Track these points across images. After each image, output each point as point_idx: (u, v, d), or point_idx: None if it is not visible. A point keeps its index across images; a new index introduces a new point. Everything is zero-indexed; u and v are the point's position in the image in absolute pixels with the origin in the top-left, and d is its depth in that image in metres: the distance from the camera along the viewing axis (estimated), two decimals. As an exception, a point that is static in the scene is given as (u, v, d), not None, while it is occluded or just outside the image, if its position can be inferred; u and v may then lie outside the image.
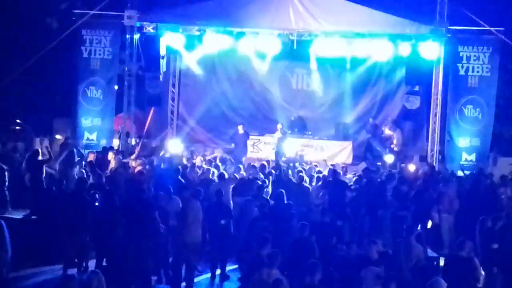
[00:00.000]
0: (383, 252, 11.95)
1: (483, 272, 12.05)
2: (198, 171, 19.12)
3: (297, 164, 21.45)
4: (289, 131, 25.60)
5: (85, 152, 21.43)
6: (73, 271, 13.78)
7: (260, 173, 18.37)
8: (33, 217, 16.00)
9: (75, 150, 19.17)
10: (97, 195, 15.08)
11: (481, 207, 16.02)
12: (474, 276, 11.17)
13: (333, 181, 17.08)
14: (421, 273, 10.30)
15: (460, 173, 20.97)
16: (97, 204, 14.56)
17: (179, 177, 16.62)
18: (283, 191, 14.97)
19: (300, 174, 17.60)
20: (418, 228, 14.76)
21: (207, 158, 22.45)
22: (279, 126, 25.04)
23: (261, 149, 25.77)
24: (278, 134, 24.64)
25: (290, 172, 19.09)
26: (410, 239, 12.33)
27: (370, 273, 10.65)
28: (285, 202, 14.54)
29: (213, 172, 18.05)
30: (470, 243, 11.90)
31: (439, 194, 17.06)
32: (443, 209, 16.66)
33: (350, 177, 20.10)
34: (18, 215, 16.17)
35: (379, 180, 18.01)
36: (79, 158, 19.50)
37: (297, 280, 11.12)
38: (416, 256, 11.95)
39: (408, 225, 13.11)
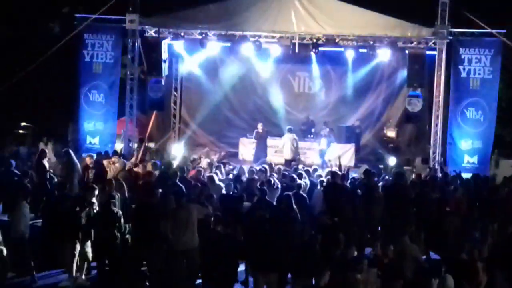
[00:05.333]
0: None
1: (485, 277, 12.00)
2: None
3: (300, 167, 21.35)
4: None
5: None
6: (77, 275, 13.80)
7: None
8: (37, 221, 16.02)
9: (72, 156, 18.91)
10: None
11: (487, 210, 16.00)
12: (475, 279, 11.15)
13: (332, 184, 16.92)
14: (422, 275, 10.30)
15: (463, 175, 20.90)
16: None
17: (176, 181, 16.32)
18: (290, 193, 14.89)
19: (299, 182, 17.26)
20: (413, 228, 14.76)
21: (215, 160, 22.36)
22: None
23: (264, 152, 25.71)
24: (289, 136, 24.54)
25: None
26: (404, 239, 12.35)
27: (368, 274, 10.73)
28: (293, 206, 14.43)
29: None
30: (472, 245, 11.93)
31: (446, 197, 16.98)
32: (450, 211, 16.58)
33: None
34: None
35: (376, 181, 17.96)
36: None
37: (302, 283, 11.19)
38: (411, 256, 11.96)
39: (401, 226, 13.08)
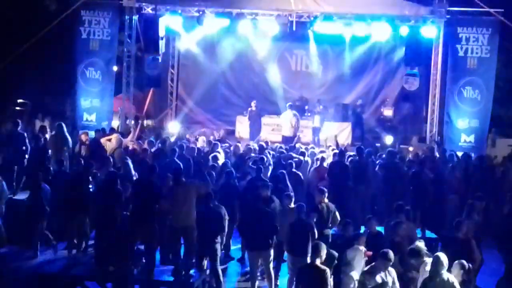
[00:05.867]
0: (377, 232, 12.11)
1: (480, 255, 12.06)
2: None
3: (297, 145, 21.35)
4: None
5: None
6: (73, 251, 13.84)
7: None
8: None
9: (64, 130, 18.74)
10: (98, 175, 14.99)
11: (483, 189, 16.04)
12: (471, 258, 11.17)
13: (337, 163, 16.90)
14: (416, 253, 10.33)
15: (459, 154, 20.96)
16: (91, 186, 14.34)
17: (175, 158, 16.22)
18: (284, 171, 14.98)
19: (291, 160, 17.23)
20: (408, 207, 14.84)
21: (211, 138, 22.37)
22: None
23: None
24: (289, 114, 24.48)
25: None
26: (400, 217, 12.39)
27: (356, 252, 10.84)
28: (288, 184, 14.54)
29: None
30: (468, 224, 11.97)
31: (443, 176, 17.00)
32: (449, 190, 16.61)
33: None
34: (22, 196, 16.11)
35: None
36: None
37: (298, 261, 11.24)
38: (407, 234, 12.00)
39: (398, 204, 13.11)
